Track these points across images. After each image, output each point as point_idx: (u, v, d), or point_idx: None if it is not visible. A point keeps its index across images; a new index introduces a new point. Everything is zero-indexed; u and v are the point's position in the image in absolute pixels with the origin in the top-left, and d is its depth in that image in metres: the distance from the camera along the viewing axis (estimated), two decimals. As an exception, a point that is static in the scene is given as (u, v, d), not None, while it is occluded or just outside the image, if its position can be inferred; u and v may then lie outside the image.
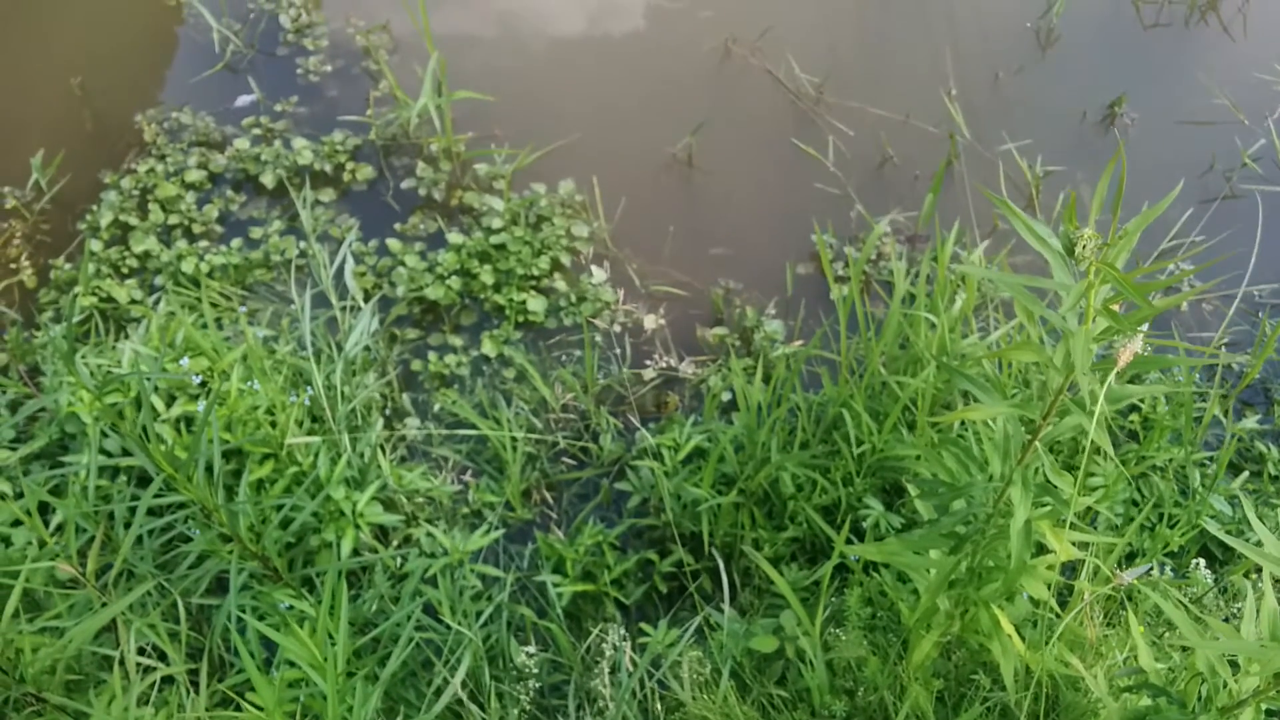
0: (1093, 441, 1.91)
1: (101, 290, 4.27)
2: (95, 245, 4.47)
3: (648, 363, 4.21)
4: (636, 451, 3.89)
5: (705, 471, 3.46)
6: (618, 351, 4.25)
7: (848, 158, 4.90)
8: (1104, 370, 1.85)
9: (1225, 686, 1.97)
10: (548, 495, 3.85)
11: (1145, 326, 1.74)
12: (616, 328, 4.33)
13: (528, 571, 3.60)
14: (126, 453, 3.47)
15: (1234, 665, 2.00)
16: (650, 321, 4.34)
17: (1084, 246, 1.66)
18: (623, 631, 3.13)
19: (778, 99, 5.16)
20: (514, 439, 3.82)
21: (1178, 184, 1.96)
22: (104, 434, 3.48)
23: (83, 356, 3.71)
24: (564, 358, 4.23)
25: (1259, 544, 1.84)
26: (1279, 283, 4.40)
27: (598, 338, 4.29)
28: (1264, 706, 1.90)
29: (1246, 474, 3.68)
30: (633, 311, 4.37)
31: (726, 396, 4.05)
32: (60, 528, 3.37)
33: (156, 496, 2.98)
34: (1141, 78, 5.21)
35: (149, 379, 3.27)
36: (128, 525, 3.12)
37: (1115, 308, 1.75)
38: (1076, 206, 1.62)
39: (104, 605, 2.79)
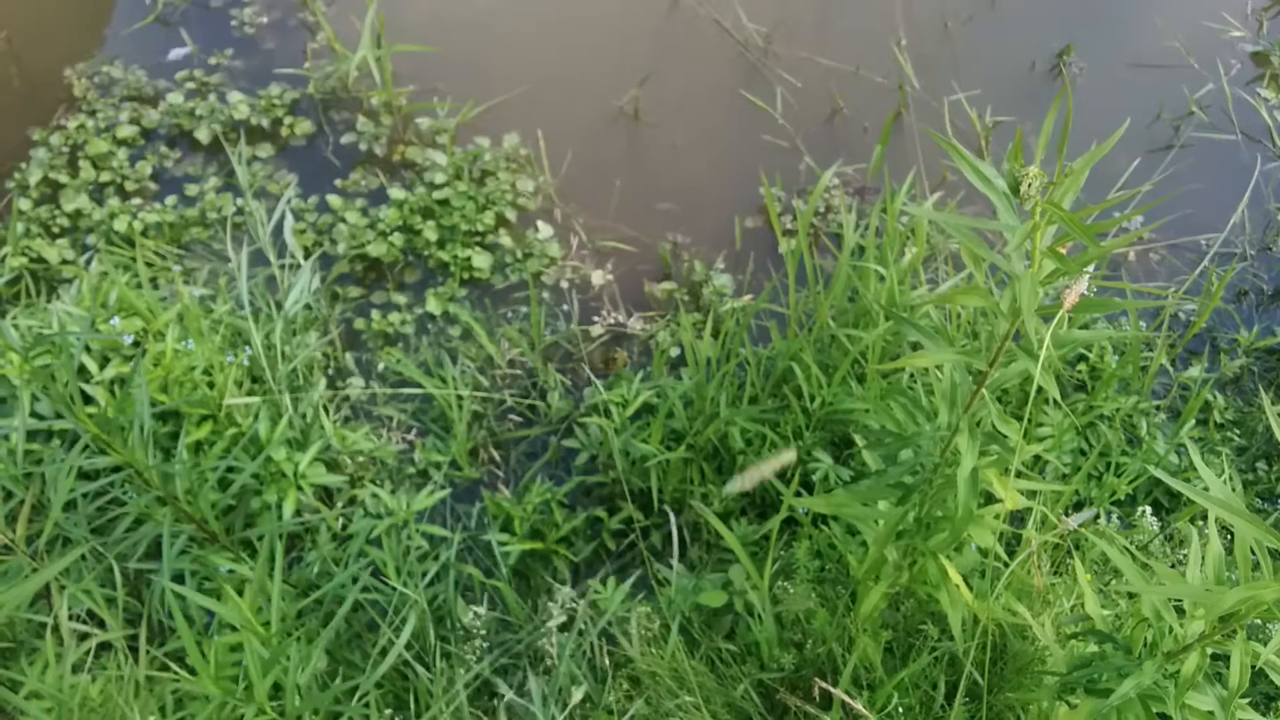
0: (1041, 390, 1.89)
1: (31, 250, 4.13)
2: (24, 204, 4.32)
3: (595, 319, 4.16)
4: (585, 408, 3.84)
5: (654, 427, 3.43)
6: (565, 308, 4.19)
7: (796, 110, 4.84)
8: (1051, 314, 1.82)
9: (1171, 631, 1.97)
10: (495, 454, 3.80)
11: (1092, 268, 1.71)
12: (564, 284, 4.26)
13: (475, 531, 3.55)
14: (60, 415, 3.36)
15: (1179, 610, 1.99)
16: (598, 277, 4.27)
17: (1029, 185, 1.62)
18: (571, 589, 3.10)
19: (726, 50, 5.08)
20: (460, 397, 3.75)
21: (1124, 128, 1.92)
22: (36, 396, 3.37)
23: (13, 318, 3.59)
24: (510, 314, 4.16)
25: (1205, 489, 1.83)
26: (1225, 231, 4.42)
27: (544, 294, 4.22)
28: (1209, 650, 1.90)
29: (1193, 422, 3.70)
30: (580, 267, 4.30)
31: (675, 352, 4.00)
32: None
33: (90, 459, 2.90)
34: (1090, 26, 5.18)
35: (77, 338, 3.17)
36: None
37: (1062, 250, 1.72)
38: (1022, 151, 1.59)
39: (35, 571, 2.71)
